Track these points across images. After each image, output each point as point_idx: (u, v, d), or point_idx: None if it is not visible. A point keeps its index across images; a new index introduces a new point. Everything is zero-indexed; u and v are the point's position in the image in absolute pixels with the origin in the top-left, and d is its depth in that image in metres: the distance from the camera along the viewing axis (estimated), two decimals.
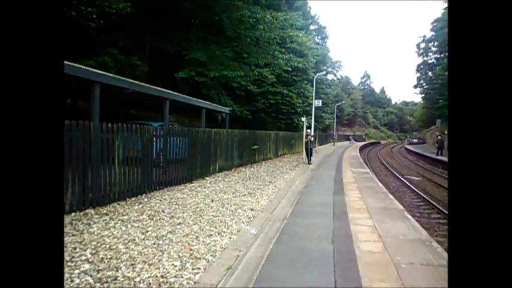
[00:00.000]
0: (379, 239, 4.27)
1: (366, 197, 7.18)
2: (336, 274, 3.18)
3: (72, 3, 10.11)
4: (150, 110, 15.08)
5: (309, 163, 15.04)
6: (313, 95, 21.53)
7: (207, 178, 9.34)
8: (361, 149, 33.60)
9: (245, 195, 7.29)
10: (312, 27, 40.67)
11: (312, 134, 17.32)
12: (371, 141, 61.98)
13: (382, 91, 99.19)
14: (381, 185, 9.37)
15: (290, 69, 20.90)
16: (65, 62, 5.56)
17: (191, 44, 15.96)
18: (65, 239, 3.92)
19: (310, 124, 19.35)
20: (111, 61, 12.00)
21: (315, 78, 22.07)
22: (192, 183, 8.45)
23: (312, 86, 22.67)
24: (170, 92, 9.30)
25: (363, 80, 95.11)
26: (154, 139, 7.17)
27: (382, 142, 63.68)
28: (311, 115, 20.83)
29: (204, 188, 7.90)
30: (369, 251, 3.83)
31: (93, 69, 6.47)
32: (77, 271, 3.10)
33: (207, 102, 12.73)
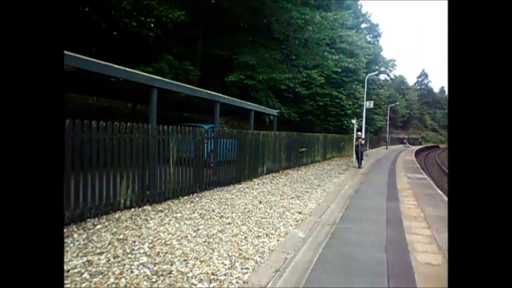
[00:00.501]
0: (439, 250, 3.96)
1: (423, 205, 6.71)
2: (389, 285, 3.02)
3: (133, 14, 10.97)
4: (201, 112, 15.73)
5: (359, 167, 14.47)
6: (364, 96, 20.71)
7: (254, 180, 9.46)
8: (417, 153, 31.45)
9: (293, 198, 7.24)
10: (363, 25, 39.23)
11: (363, 136, 16.65)
12: (428, 144, 57.73)
13: (442, 91, 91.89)
14: (440, 192, 8.69)
15: (340, 70, 20.36)
16: (127, 69, 6.04)
17: (240, 48, 16.34)
18: (126, 232, 4.24)
19: (361, 126, 18.62)
20: (167, 67, 12.75)
21: (366, 78, 21.21)
22: (240, 184, 8.62)
23: (363, 87, 21.82)
24: (221, 95, 9.60)
25: (419, 80, 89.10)
26: (206, 141, 7.45)
27: (441, 146, 58.88)
28: (361, 117, 20.04)
29: (252, 189, 8.01)
30: (426, 262, 3.58)
31: (152, 75, 6.92)
32: (136, 263, 3.34)
33: (256, 105, 12.90)
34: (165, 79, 7.52)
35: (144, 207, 5.56)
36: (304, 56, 17.46)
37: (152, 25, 11.71)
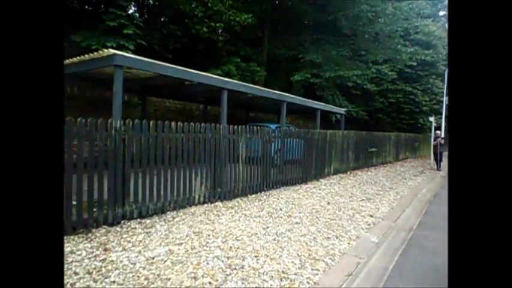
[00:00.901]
0: None
1: None
2: None
3: (204, 21, 11.63)
4: (266, 112, 15.98)
5: (438, 169, 13.18)
6: (444, 91, 18.76)
7: (321, 180, 9.28)
8: None
9: (363, 200, 6.93)
10: (441, 13, 35.53)
11: (442, 136, 15.10)
12: None
13: None
14: None
15: (415, 63, 18.80)
16: (201, 73, 6.44)
17: (305, 46, 16.16)
18: (201, 226, 4.53)
19: (440, 125, 16.91)
20: (234, 69, 13.23)
21: (445, 71, 19.19)
22: (307, 184, 8.54)
23: (442, 81, 19.78)
24: (287, 94, 9.63)
25: None
26: (272, 140, 7.56)
27: None
28: (441, 114, 18.20)
29: (319, 189, 7.87)
30: None
31: (222, 78, 7.27)
32: (211, 255, 3.55)
33: (322, 104, 12.64)
34: (235, 81, 7.82)
35: (216, 203, 5.87)
36: (374, 51, 16.53)
37: (221, 30, 12.26)
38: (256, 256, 3.61)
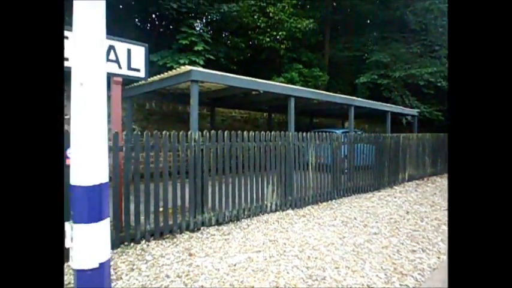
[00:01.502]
0: None
1: None
2: None
3: (266, 31, 11.89)
4: (329, 117, 15.58)
5: None
6: None
7: (395, 187, 8.67)
8: None
9: (447, 209, 6.27)
10: None
11: None
12: None
13: None
14: None
15: None
16: (268, 82, 6.54)
17: (370, 46, 15.44)
18: (275, 234, 4.54)
19: None
20: (297, 76, 13.21)
21: None
22: (379, 191, 8.05)
23: None
24: (354, 98, 9.27)
25: None
26: (341, 146, 7.31)
27: None
28: None
29: (395, 197, 7.36)
30: None
31: (289, 85, 7.30)
32: (290, 265, 3.52)
33: (392, 106, 11.88)
34: (301, 87, 7.79)
35: (287, 211, 5.85)
36: None
37: (283, 38, 12.38)
38: (336, 267, 3.48)
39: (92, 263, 1.26)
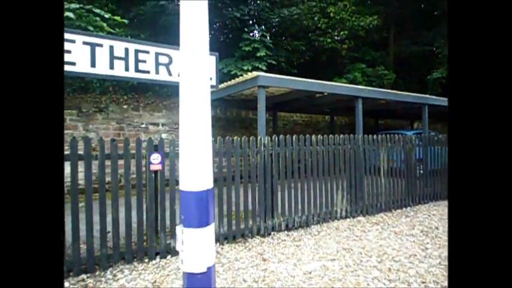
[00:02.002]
0: None
1: None
2: None
3: (327, 32, 11.62)
4: (396, 118, 14.58)
5: None
6: None
7: None
8: None
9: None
10: None
11: None
12: None
13: None
14: None
15: None
16: (333, 84, 6.35)
17: (441, 39, 14.12)
18: (349, 242, 4.34)
19: None
20: (360, 76, 12.65)
21: None
22: None
23: None
24: (428, 96, 8.54)
25: None
26: (415, 149, 6.76)
27: None
28: None
29: None
30: None
31: (356, 86, 7.00)
32: (369, 276, 3.31)
33: None
34: (368, 88, 7.41)
35: (358, 218, 5.57)
36: None
37: (345, 37, 11.98)
38: (423, 282, 3.18)
39: (201, 267, 1.31)
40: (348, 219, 5.44)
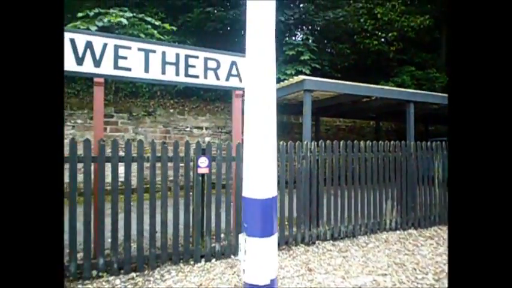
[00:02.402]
0: None
1: None
2: None
3: (374, 33, 11.19)
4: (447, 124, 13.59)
5: None
6: None
7: None
8: None
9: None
10: None
11: None
12: None
13: None
14: None
15: None
16: (384, 87, 6.04)
17: None
18: (400, 256, 4.05)
19: None
20: (409, 79, 11.99)
21: None
22: None
23: None
24: None
25: None
26: None
27: None
28: None
29: None
30: None
31: (408, 90, 6.62)
32: None
33: None
34: (421, 91, 6.98)
35: (409, 230, 5.21)
36: None
37: (393, 39, 11.44)
38: None
39: (264, 280, 1.26)
40: (397, 232, 5.11)
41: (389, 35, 11.07)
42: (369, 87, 5.76)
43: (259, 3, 1.40)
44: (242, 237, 1.32)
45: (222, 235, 3.94)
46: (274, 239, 1.32)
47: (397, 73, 12.33)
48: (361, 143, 4.88)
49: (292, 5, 10.83)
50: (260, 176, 1.31)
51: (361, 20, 11.18)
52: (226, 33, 11.14)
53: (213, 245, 3.84)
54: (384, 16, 10.99)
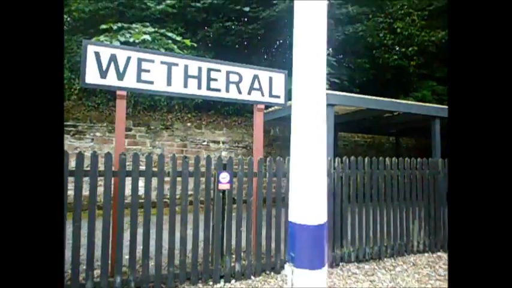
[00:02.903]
0: None
1: None
2: None
3: (393, 48, 11.05)
4: None
5: None
6: None
7: None
8: None
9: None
10: None
11: None
12: None
13: None
14: None
15: None
16: (409, 102, 5.87)
17: None
18: (431, 282, 3.80)
19: None
20: (429, 94, 11.71)
21: None
22: None
23: None
24: None
25: None
26: None
27: None
28: None
29: None
30: None
31: (434, 105, 6.42)
32: None
33: None
34: (445, 106, 6.75)
35: (439, 253, 4.91)
36: None
37: (413, 54, 11.26)
38: None
39: None
40: (426, 254, 4.83)
41: (410, 49, 10.90)
42: (393, 101, 5.61)
43: (310, 13, 1.34)
44: (289, 268, 1.20)
45: (243, 254, 3.79)
46: (324, 271, 1.19)
47: (417, 88, 12.07)
48: (387, 159, 4.70)
49: None
50: (310, 199, 1.20)
51: (381, 35, 11.07)
52: (244, 48, 11.15)
53: (232, 264, 3.70)
54: (403, 31, 10.87)
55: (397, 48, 11.15)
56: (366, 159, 4.58)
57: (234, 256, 3.82)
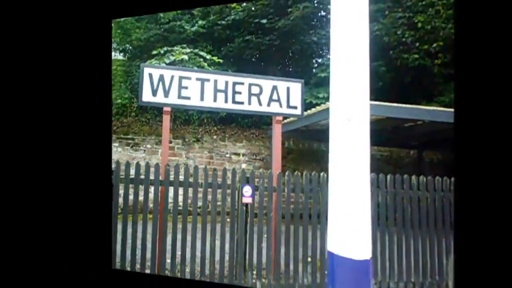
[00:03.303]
0: None
1: None
2: None
3: (413, 46, 11.11)
4: None
5: None
6: None
7: None
8: None
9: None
10: None
11: None
12: None
13: None
14: None
15: None
16: (433, 108, 5.85)
17: None
18: None
19: None
20: None
21: None
22: None
23: None
24: None
25: None
26: None
27: None
28: None
29: None
30: None
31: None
32: None
33: None
34: None
35: None
36: None
37: (437, 51, 11.26)
38: None
39: None
40: None
41: (434, 45, 10.88)
42: (418, 108, 5.62)
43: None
44: None
45: (263, 272, 4.22)
46: None
47: (443, 91, 12.07)
48: (413, 177, 4.64)
49: (324, 25, 11.18)
50: (354, 229, 1.17)
51: (398, 32, 11.11)
52: (261, 60, 12.62)
53: (253, 281, 4.12)
54: (425, 25, 10.87)
55: (418, 45, 11.16)
56: (388, 176, 4.52)
57: (255, 272, 4.25)
